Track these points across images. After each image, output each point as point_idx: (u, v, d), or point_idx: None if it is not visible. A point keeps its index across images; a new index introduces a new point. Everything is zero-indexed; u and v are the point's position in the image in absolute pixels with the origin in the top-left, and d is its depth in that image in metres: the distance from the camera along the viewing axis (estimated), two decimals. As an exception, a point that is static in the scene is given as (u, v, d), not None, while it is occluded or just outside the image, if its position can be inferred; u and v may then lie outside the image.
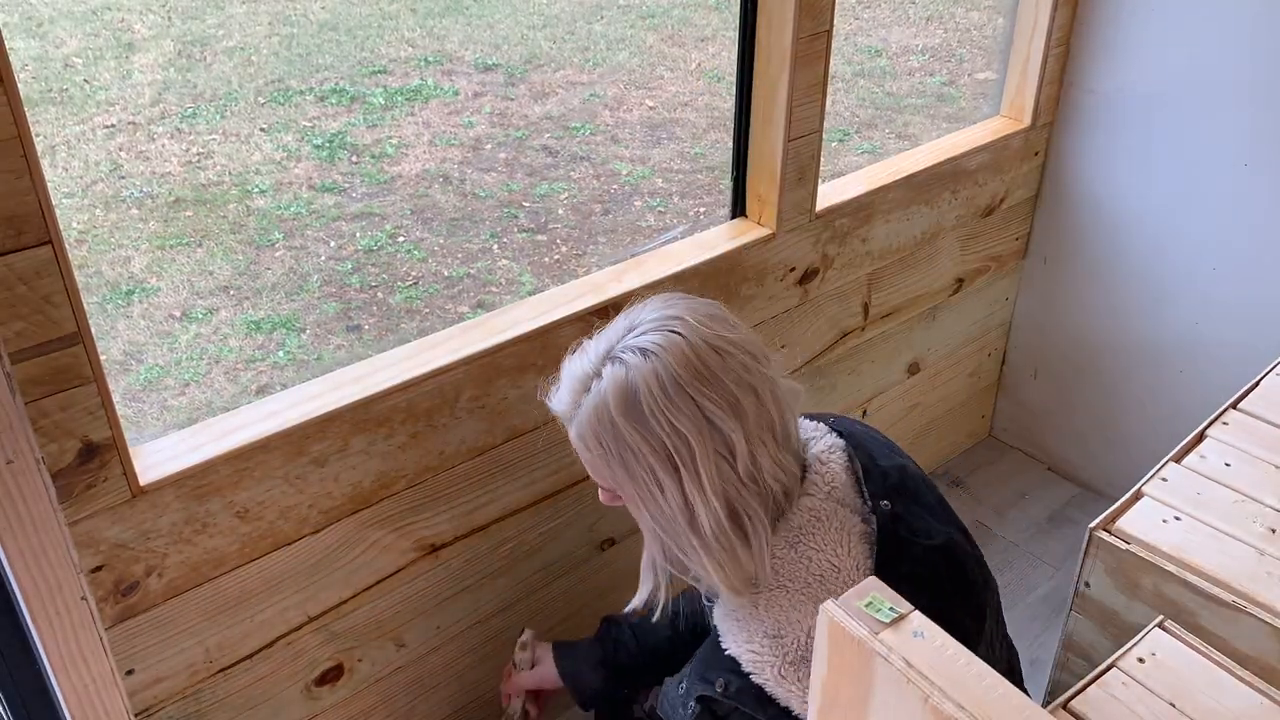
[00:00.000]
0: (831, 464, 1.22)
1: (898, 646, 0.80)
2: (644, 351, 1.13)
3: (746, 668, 1.18)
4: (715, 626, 1.26)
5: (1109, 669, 1.19)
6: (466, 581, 1.64)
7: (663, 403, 1.11)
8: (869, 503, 1.19)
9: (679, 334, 1.14)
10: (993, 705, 0.75)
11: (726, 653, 1.21)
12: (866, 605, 0.83)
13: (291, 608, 1.45)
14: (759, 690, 1.17)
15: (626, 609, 1.31)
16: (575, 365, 1.19)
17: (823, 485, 1.20)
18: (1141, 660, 1.20)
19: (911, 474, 1.27)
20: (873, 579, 0.87)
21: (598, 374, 1.15)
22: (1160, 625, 1.25)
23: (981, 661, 0.79)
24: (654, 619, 1.41)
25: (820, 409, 2.10)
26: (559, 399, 1.20)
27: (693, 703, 1.23)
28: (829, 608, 0.85)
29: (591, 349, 1.18)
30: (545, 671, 1.56)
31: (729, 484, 1.13)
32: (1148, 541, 1.35)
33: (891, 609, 0.83)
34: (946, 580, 1.20)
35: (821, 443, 1.25)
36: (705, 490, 1.12)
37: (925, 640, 0.80)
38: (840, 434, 1.27)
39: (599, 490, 1.24)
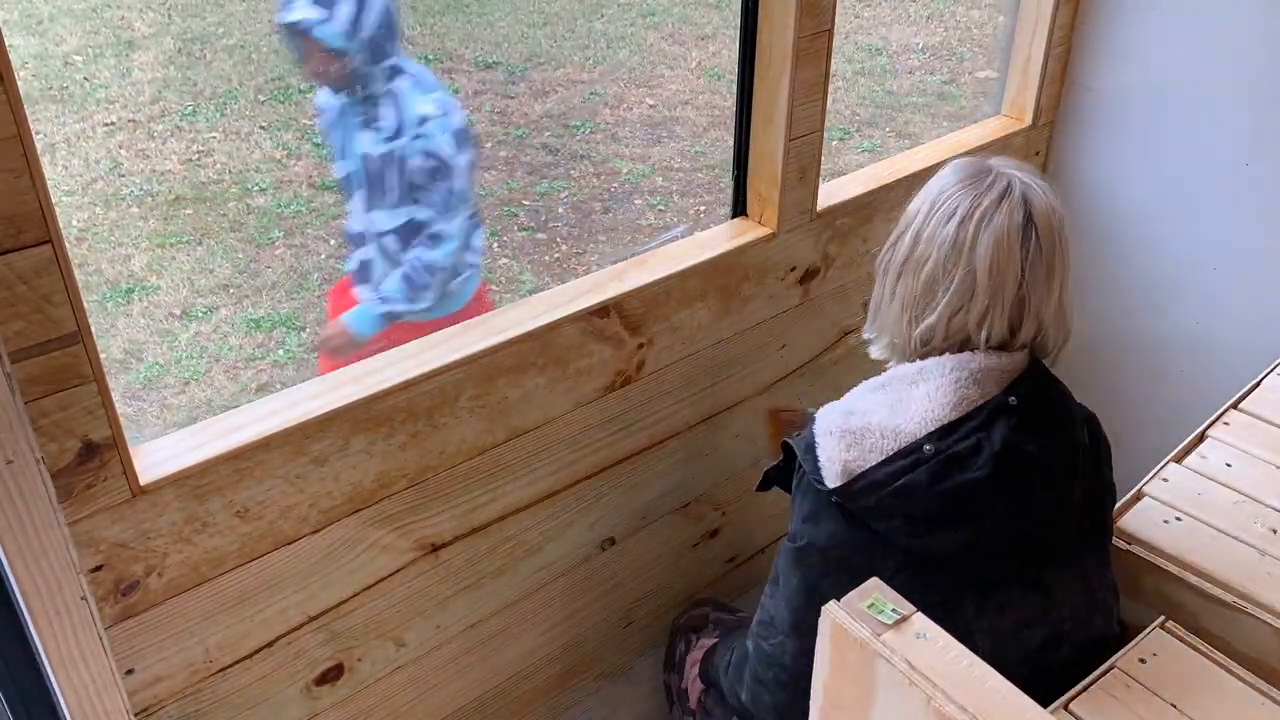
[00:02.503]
0: (1002, 364, 1.28)
1: (900, 648, 0.79)
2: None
3: (818, 421, 1.31)
4: None
5: (1110, 669, 1.19)
6: (466, 581, 1.64)
7: (1058, 229, 1.24)
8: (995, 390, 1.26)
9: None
10: (995, 707, 0.75)
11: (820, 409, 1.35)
12: (869, 607, 0.82)
13: (291, 607, 1.44)
14: (811, 439, 1.28)
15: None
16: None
17: (978, 359, 1.27)
18: (1143, 661, 1.19)
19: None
20: (874, 580, 0.87)
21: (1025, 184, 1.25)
22: (1161, 626, 1.24)
23: (984, 663, 0.79)
24: None
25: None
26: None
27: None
28: (831, 609, 0.85)
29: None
30: None
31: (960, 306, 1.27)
32: (1149, 542, 1.35)
33: (894, 610, 0.82)
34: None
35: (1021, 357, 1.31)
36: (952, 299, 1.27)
37: (928, 642, 0.80)
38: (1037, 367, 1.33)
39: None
